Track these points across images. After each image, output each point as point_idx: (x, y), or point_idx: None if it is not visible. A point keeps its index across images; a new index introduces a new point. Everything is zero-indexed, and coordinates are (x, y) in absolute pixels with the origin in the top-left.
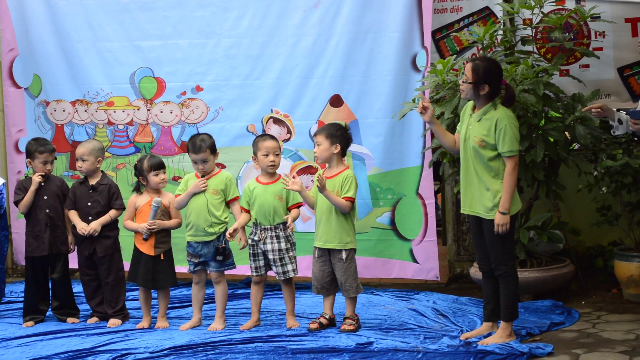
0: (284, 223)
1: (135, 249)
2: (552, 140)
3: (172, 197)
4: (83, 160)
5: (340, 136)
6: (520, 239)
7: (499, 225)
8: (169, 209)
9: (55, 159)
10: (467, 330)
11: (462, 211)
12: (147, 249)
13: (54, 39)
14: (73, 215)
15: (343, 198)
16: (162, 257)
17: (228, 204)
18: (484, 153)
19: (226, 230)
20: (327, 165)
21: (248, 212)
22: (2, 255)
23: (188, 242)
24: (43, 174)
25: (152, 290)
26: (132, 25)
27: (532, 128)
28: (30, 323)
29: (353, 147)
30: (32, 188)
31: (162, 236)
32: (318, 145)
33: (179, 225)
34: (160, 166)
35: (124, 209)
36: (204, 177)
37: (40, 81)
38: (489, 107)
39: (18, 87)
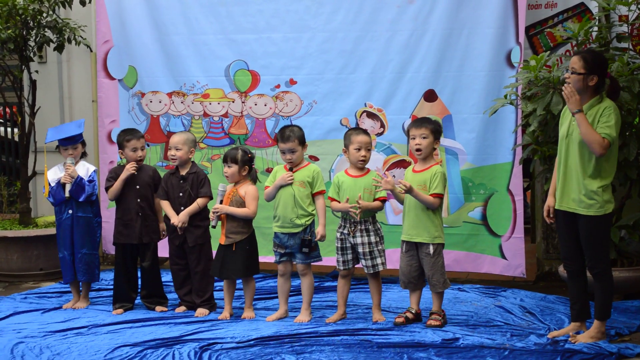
0: (373, 216)
1: None
2: None
3: (250, 189)
4: (177, 149)
5: (440, 133)
6: (612, 238)
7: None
8: (244, 199)
9: (149, 146)
10: (555, 329)
11: (556, 207)
12: (220, 237)
13: (151, 31)
14: (166, 206)
15: (431, 194)
16: (233, 248)
17: (313, 197)
18: None
19: (313, 223)
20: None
21: (338, 202)
22: (95, 240)
23: (275, 233)
24: (136, 164)
25: (238, 281)
26: (227, 18)
27: (625, 126)
28: (120, 310)
29: (447, 142)
30: (123, 176)
31: (233, 226)
32: (424, 137)
33: (248, 216)
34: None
35: (210, 197)
36: (291, 170)
37: (135, 73)
38: (595, 100)
39: (112, 78)
